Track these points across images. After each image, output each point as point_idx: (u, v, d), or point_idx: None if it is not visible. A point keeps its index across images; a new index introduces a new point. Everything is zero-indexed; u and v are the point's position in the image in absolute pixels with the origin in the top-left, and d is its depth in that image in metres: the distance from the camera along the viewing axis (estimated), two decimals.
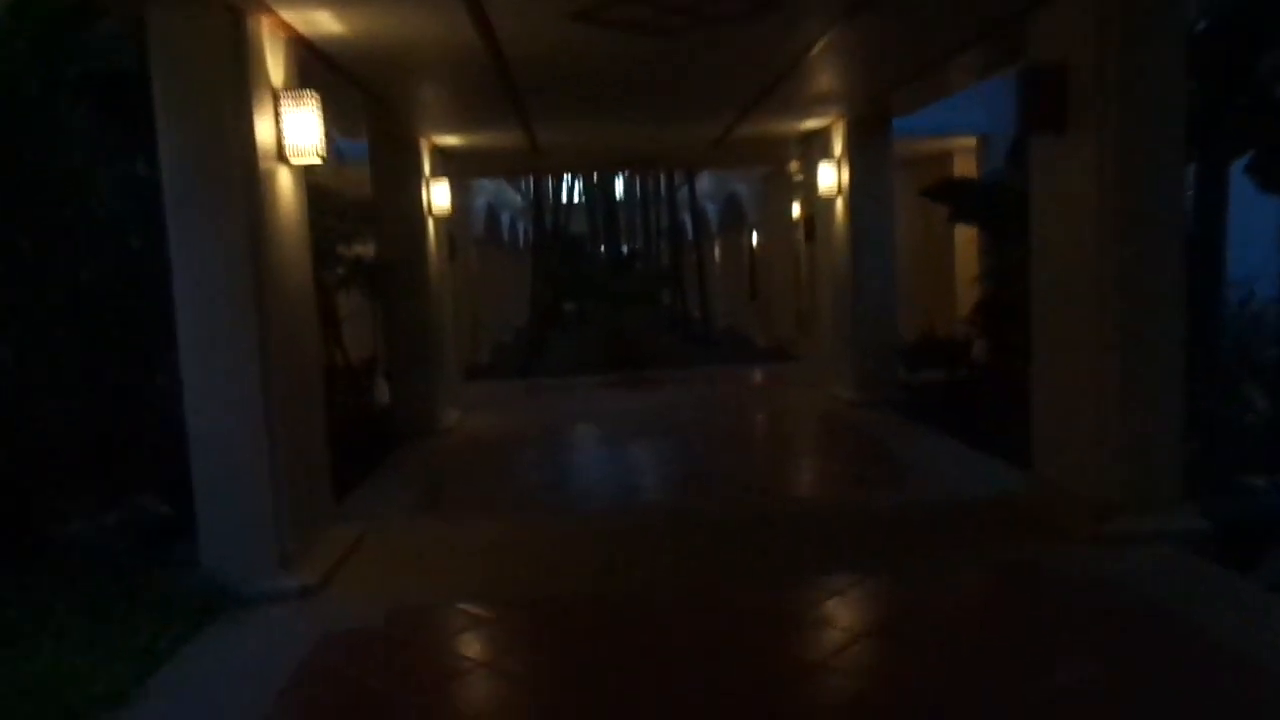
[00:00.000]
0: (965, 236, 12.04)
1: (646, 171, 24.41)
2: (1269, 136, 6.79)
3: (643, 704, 3.55)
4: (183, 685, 3.82)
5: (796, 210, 15.76)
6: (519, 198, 22.78)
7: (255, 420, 4.69)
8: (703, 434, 9.23)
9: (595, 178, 26.80)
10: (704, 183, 22.00)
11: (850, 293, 9.81)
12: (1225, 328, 7.27)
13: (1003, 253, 9.52)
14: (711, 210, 23.61)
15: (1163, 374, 5.08)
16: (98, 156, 5.44)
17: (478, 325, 16.29)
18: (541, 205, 20.49)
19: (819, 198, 10.49)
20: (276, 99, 4.95)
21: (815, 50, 6.74)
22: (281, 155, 5.01)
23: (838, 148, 9.99)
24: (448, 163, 10.77)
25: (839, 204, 10.08)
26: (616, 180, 28.70)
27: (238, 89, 4.61)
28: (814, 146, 10.82)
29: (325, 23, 5.27)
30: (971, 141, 12.00)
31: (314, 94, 5.03)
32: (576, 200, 30.56)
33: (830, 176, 10.03)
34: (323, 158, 5.13)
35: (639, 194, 29.45)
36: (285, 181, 5.09)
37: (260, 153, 4.75)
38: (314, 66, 5.81)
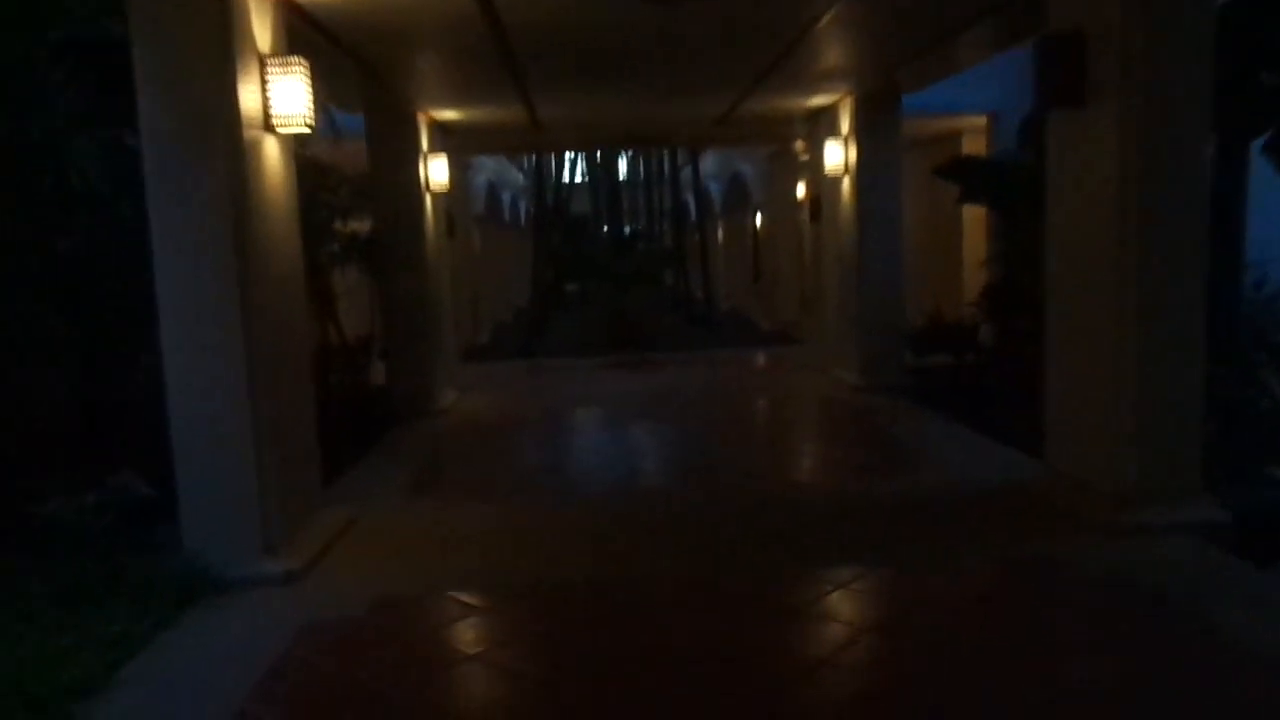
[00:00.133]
0: (973, 219, 11.81)
1: (650, 150, 24.18)
2: None
3: (641, 700, 3.39)
4: (157, 675, 3.66)
5: (801, 190, 15.54)
6: (521, 176, 22.55)
7: (239, 399, 4.52)
8: (705, 418, 9.05)
9: (598, 157, 26.60)
10: (708, 163, 21.76)
11: (856, 275, 9.61)
12: (1241, 311, 7.09)
13: (1012, 235, 9.33)
14: (715, 190, 23.37)
15: (1183, 360, 4.89)
16: (80, 125, 5.23)
17: (478, 305, 16.11)
18: (543, 184, 20.23)
19: (825, 177, 10.27)
20: (263, 65, 4.75)
21: (823, 22, 6.52)
22: (268, 124, 4.81)
23: (845, 125, 9.76)
24: (446, 138, 10.56)
25: (846, 183, 9.86)
26: (620, 160, 28.47)
27: (221, 54, 4.41)
28: (820, 124, 10.59)
29: None
30: (981, 120, 11.74)
31: (302, 61, 4.83)
32: (579, 180, 30.35)
33: (837, 155, 9.81)
34: (311, 127, 4.93)
35: (642, 174, 29.24)
36: (272, 152, 4.89)
37: (245, 121, 4.56)
38: (304, 33, 5.60)
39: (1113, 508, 4.94)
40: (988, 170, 9.13)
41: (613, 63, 7.89)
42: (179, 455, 4.58)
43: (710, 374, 12.18)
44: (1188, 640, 3.70)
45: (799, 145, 13.91)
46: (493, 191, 19.40)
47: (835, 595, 4.26)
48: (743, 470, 6.87)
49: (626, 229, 28.79)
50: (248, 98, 4.60)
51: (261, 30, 4.79)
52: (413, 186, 9.13)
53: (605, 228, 25.43)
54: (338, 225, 9.00)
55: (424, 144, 9.45)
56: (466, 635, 4.08)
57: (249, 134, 4.59)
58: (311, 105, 4.92)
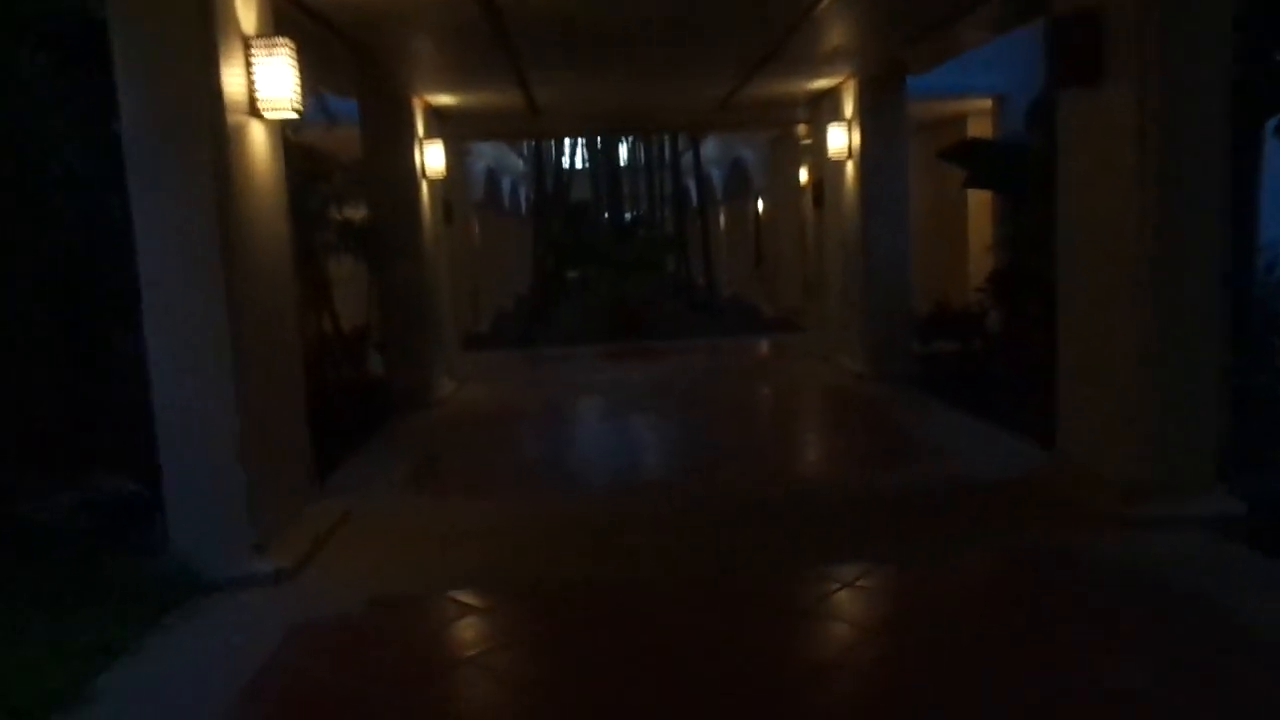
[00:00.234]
0: (978, 203, 11.63)
1: (650, 135, 23.97)
2: None
3: (644, 708, 3.25)
4: (140, 683, 3.52)
5: (804, 175, 15.36)
6: (520, 162, 22.34)
7: (225, 393, 4.37)
8: (707, 409, 8.90)
9: (599, 143, 26.39)
10: (709, 148, 21.56)
11: (861, 260, 9.44)
12: (1254, 295, 6.93)
13: (1020, 219, 9.15)
14: (716, 176, 23.16)
15: (1200, 349, 4.73)
16: (63, 112, 5.06)
17: (477, 293, 15.95)
18: (543, 169, 20.03)
19: (829, 161, 10.10)
20: (247, 48, 4.59)
21: (826, 1, 6.33)
22: (253, 109, 4.65)
23: (849, 109, 9.58)
24: (443, 124, 10.39)
25: (849, 168, 9.68)
26: (620, 146, 28.26)
27: (202, 35, 4.24)
28: (823, 108, 10.41)
29: None
30: (986, 103, 11.54)
31: (288, 42, 4.66)
32: (580, 166, 30.15)
33: (841, 139, 9.63)
34: (299, 112, 4.77)
35: (643, 159, 29.04)
36: (258, 137, 4.73)
37: (228, 105, 4.40)
38: (292, 15, 5.43)
39: (1124, 499, 4.79)
40: (995, 153, 8.94)
41: (611, 45, 7.71)
42: (164, 452, 4.43)
43: (712, 362, 12.03)
44: (1201, 635, 3.57)
45: (801, 129, 13.73)
46: (492, 178, 19.19)
47: (840, 593, 4.12)
48: (746, 462, 6.73)
49: (627, 215, 28.63)
50: (231, 81, 4.44)
51: (245, 11, 4.62)
52: (408, 173, 8.97)
53: (606, 214, 25.25)
54: (332, 213, 8.86)
55: (419, 129, 9.28)
56: (463, 637, 3.95)
57: (233, 119, 4.43)
58: (299, 89, 4.76)
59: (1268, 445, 5.80)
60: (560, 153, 22.85)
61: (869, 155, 9.29)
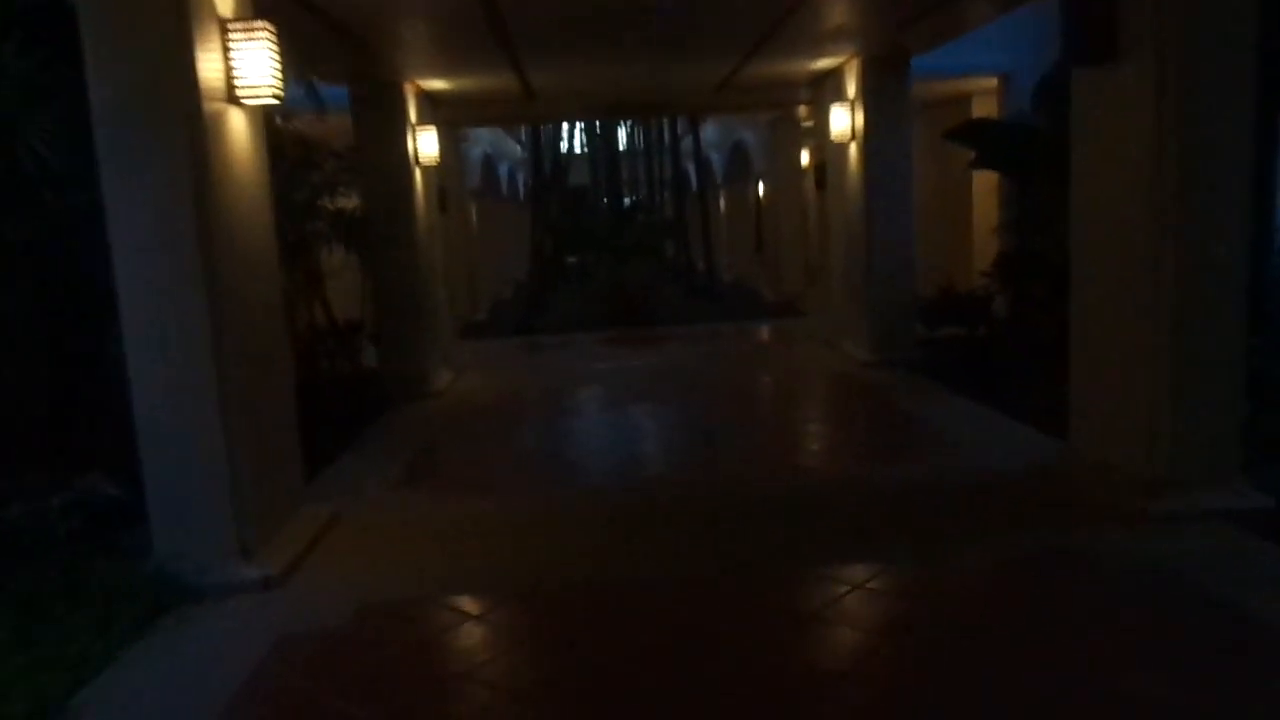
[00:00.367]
0: (983, 185, 11.42)
1: (649, 119, 23.72)
2: None
3: None
4: (119, 698, 3.37)
5: (805, 158, 15.16)
6: (519, 148, 22.10)
7: (207, 392, 4.20)
8: (708, 398, 8.72)
9: (598, 128, 26.13)
10: (708, 131, 21.32)
11: (864, 244, 9.24)
12: (1271, 280, 6.75)
13: (1026, 201, 8.96)
14: (716, 160, 22.93)
15: (1222, 335, 4.55)
16: (33, 99, 4.87)
17: (475, 281, 15.76)
18: (541, 154, 19.79)
19: (831, 143, 9.88)
20: (224, 31, 4.38)
21: None
22: (232, 96, 4.45)
23: (851, 89, 9.36)
24: (436, 109, 10.18)
25: (853, 150, 9.47)
26: (619, 130, 28.00)
27: (175, 18, 4.04)
28: (825, 89, 10.18)
29: None
30: (992, 82, 11.30)
31: (268, 25, 4.46)
32: (578, 151, 29.90)
33: (843, 120, 9.41)
34: (279, 98, 4.58)
35: (641, 144, 28.78)
36: (238, 125, 4.54)
37: (205, 92, 4.20)
38: None
39: (1143, 493, 4.63)
40: (1003, 133, 8.72)
41: (608, 26, 7.49)
42: (145, 454, 4.27)
43: (713, 349, 11.86)
44: (1229, 639, 3.41)
45: (802, 111, 13.52)
46: (489, 164, 18.96)
47: (848, 596, 3.95)
48: (748, 454, 6.57)
49: (626, 200, 28.40)
50: (207, 67, 4.24)
51: None
52: (401, 160, 8.78)
53: (605, 199, 25.03)
54: (324, 202, 8.68)
55: (412, 116, 9.06)
56: (458, 647, 3.78)
57: (210, 106, 4.24)
58: (279, 74, 4.56)
59: None
60: (558, 137, 22.59)
61: (873, 136, 9.08)
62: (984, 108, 11.61)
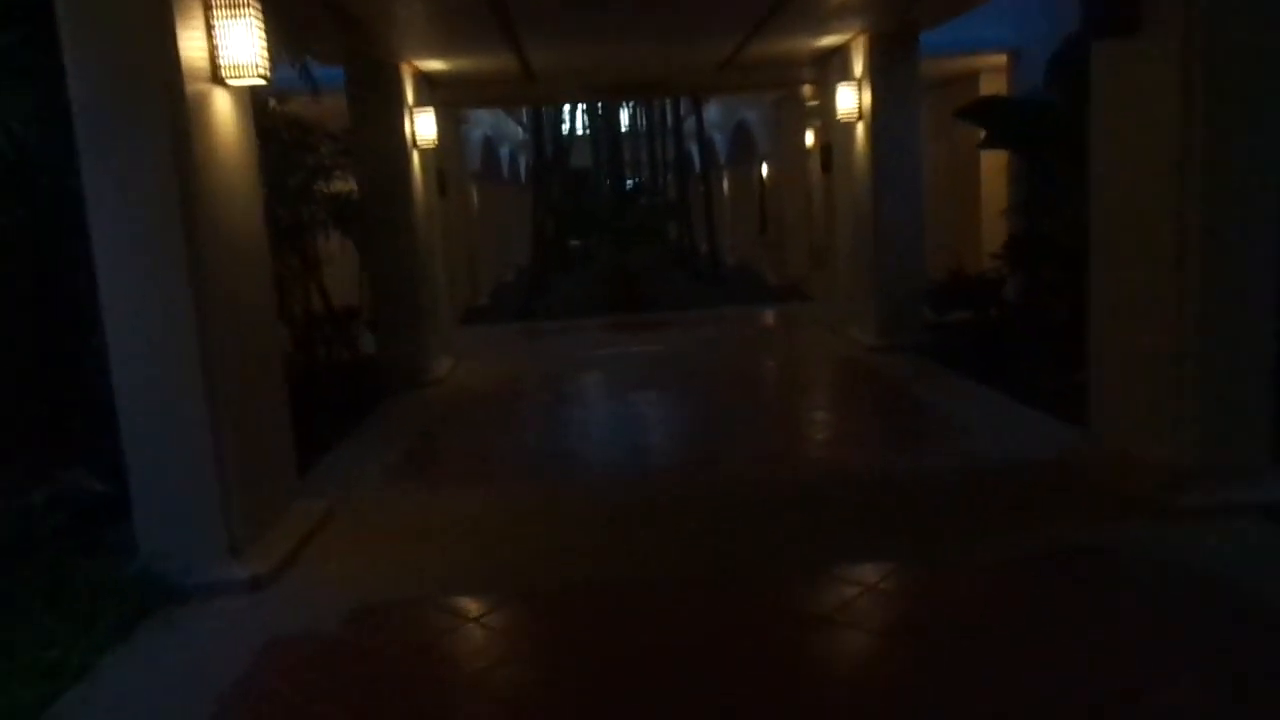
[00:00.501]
0: (991, 167, 11.18)
1: (651, 99, 23.45)
2: None
3: None
4: (96, 709, 3.20)
5: (810, 138, 14.91)
6: (520, 131, 21.84)
7: (192, 383, 4.03)
8: (711, 386, 8.54)
9: (599, 109, 25.85)
10: (711, 112, 21.05)
11: (872, 226, 9.03)
12: None
13: (1038, 181, 8.75)
14: (719, 141, 22.63)
15: (1251, 318, 4.36)
16: (11, 79, 4.67)
17: (476, 265, 15.56)
18: (542, 136, 19.54)
19: (837, 123, 9.65)
20: (207, 8, 4.19)
21: None
22: (216, 76, 4.26)
23: (858, 67, 9.13)
24: (434, 90, 9.97)
25: (860, 129, 9.25)
26: (621, 111, 27.72)
27: None
28: (831, 67, 9.95)
29: None
30: (1001, 59, 11.04)
31: (254, 1, 4.26)
32: (580, 133, 29.63)
33: (850, 99, 9.18)
34: (266, 79, 4.38)
35: (644, 125, 28.51)
36: (223, 106, 4.35)
37: (187, 72, 4.01)
38: None
39: (1168, 485, 4.45)
40: (1016, 111, 8.49)
41: (610, 2, 7.27)
42: (129, 448, 4.10)
43: (716, 334, 11.68)
44: (1263, 642, 3.23)
45: (807, 90, 13.27)
46: (490, 146, 18.70)
47: (861, 598, 3.78)
48: (754, 445, 6.40)
49: (629, 182, 28.16)
50: (190, 45, 4.05)
51: None
52: (398, 143, 8.58)
53: (607, 181, 24.79)
54: (319, 186, 8.49)
55: (409, 97, 8.86)
56: (455, 652, 3.61)
57: (193, 87, 4.05)
58: (266, 53, 4.37)
59: None
60: (560, 119, 22.33)
61: (880, 116, 8.86)
62: (991, 86, 11.36)
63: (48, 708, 3.17)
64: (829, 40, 9.30)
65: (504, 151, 21.16)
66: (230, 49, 4.25)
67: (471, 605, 3.91)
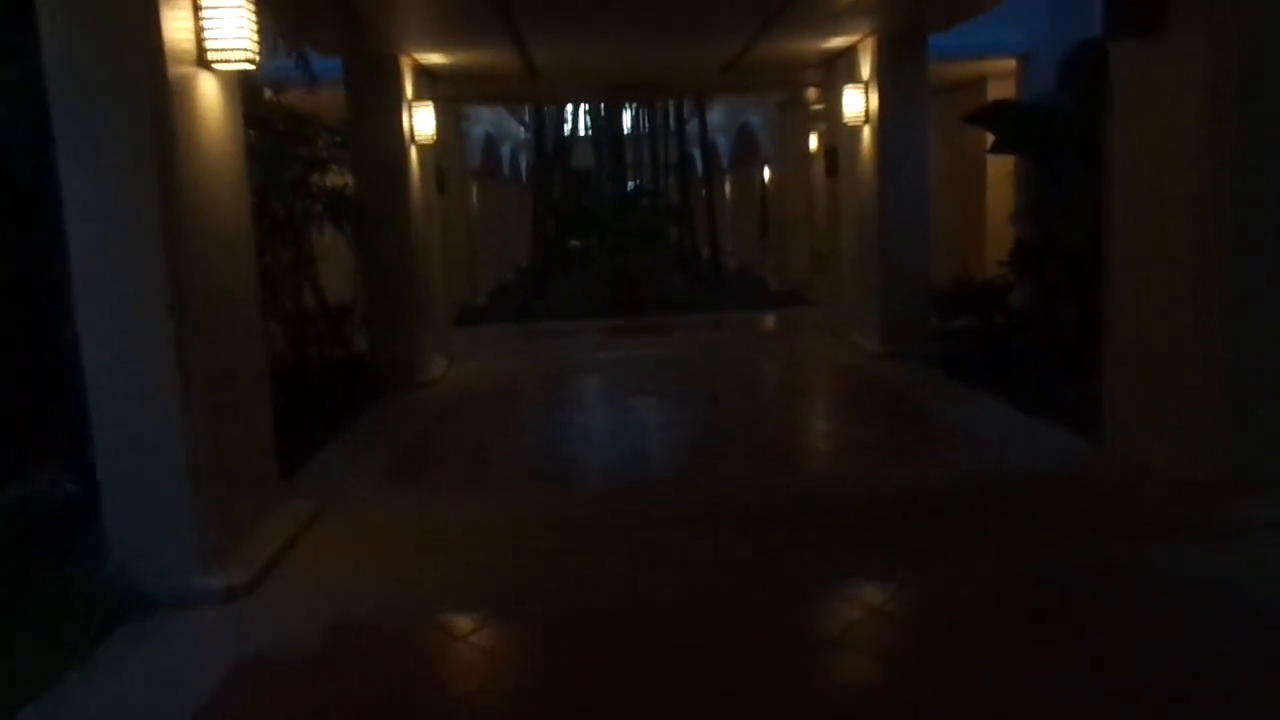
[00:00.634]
0: (997, 172, 11.01)
1: (654, 100, 23.30)
2: None
3: None
4: None
5: (814, 142, 14.76)
6: (522, 129, 21.66)
7: (167, 382, 3.82)
8: (712, 392, 8.36)
9: (602, 109, 25.70)
10: (715, 115, 20.89)
11: (877, 231, 8.86)
12: None
13: (1045, 186, 8.57)
14: (723, 143, 22.46)
15: (1275, 324, 4.18)
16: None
17: (475, 264, 15.38)
18: (543, 136, 19.37)
19: (843, 127, 9.47)
20: None
21: None
22: (202, 60, 4.08)
23: (866, 70, 8.96)
24: (434, 85, 9.79)
25: (866, 133, 9.08)
26: (623, 112, 27.57)
27: None
28: (838, 70, 9.78)
29: None
30: (1010, 63, 10.88)
31: None
32: (582, 133, 29.47)
33: (857, 102, 9.01)
34: (255, 64, 4.20)
35: (646, 126, 28.36)
36: (209, 92, 4.16)
37: (171, 55, 3.82)
38: None
39: (1189, 500, 4.27)
40: (1027, 115, 8.32)
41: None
42: (100, 448, 3.91)
43: (718, 339, 11.50)
44: None
45: (811, 93, 13.11)
46: (491, 144, 18.52)
47: (862, 619, 3.58)
48: (754, 455, 6.22)
49: (630, 184, 28.00)
50: (175, 27, 3.87)
51: None
52: (396, 137, 8.41)
53: (608, 182, 24.63)
54: (315, 179, 8.30)
55: (408, 91, 8.68)
56: (441, 674, 3.41)
57: (177, 71, 3.86)
58: (256, 36, 4.19)
59: None
60: (562, 119, 22.16)
61: (888, 119, 8.69)
62: (1000, 91, 11.20)
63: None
64: (837, 42, 9.13)
65: (505, 150, 20.98)
66: (218, 31, 4.07)
67: (461, 621, 3.72)
